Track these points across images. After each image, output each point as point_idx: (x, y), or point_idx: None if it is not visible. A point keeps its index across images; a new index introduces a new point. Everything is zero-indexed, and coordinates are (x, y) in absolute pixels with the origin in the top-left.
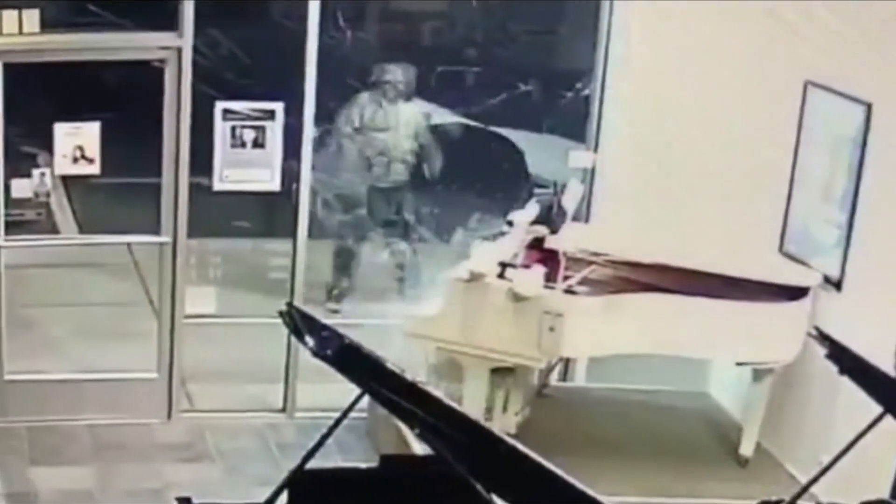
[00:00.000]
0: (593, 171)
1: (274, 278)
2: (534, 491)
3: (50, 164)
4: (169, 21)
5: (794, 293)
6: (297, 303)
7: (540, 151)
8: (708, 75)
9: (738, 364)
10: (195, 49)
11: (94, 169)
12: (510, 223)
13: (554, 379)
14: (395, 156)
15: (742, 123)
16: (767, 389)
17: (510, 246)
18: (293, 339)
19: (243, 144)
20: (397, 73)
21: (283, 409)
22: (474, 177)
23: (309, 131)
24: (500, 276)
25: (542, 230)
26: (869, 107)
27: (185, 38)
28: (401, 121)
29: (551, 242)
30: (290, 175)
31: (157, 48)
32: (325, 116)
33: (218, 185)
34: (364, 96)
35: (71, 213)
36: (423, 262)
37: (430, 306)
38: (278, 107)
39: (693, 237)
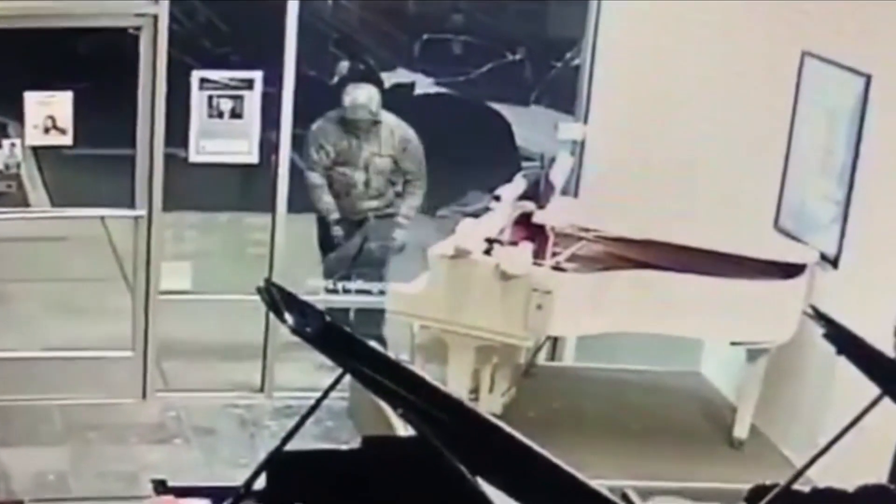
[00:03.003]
0: (583, 143)
1: (252, 253)
2: (520, 473)
3: (20, 135)
4: None
5: (790, 270)
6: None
7: (528, 123)
8: (703, 46)
9: (732, 344)
10: (171, 16)
11: (67, 140)
12: (497, 198)
13: (541, 358)
14: (374, 188)
15: (737, 95)
16: (762, 370)
17: (497, 221)
18: (272, 316)
19: (220, 115)
20: (367, 95)
21: (262, 389)
22: (459, 150)
23: (288, 101)
24: (487, 252)
25: (529, 205)
26: (868, 78)
27: (161, 5)
28: (380, 149)
29: (539, 218)
30: (269, 147)
31: (133, 15)
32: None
33: (194, 157)
34: (331, 129)
35: (42, 186)
36: (408, 238)
37: (415, 283)
38: (257, 76)
39: (686, 212)
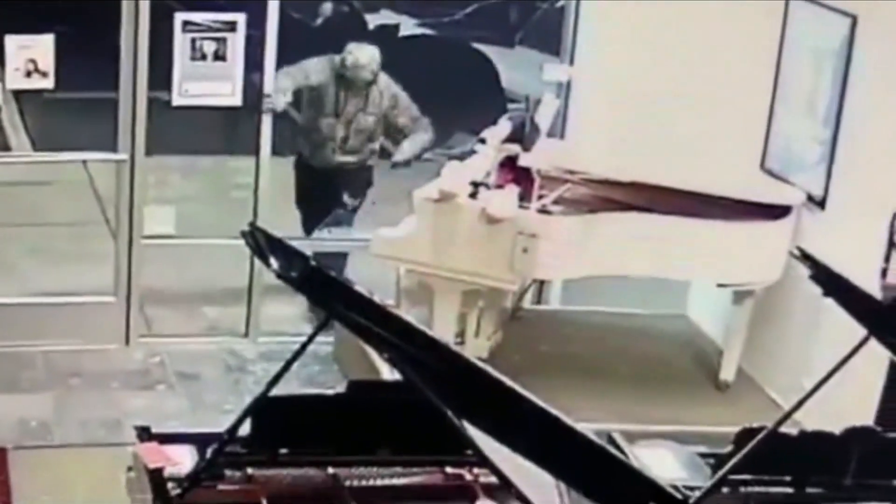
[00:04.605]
0: (568, 85)
1: (236, 197)
2: (506, 417)
3: (1, 79)
4: None
5: (776, 212)
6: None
7: (513, 65)
8: None
9: (719, 285)
10: None
11: (48, 83)
12: (482, 141)
13: (528, 302)
14: (350, 145)
15: (723, 36)
16: (748, 312)
17: (482, 164)
18: (256, 260)
19: (204, 57)
20: (369, 55)
21: (246, 334)
22: (444, 92)
23: (272, 43)
24: (472, 196)
25: (515, 148)
26: (854, 19)
27: None
28: (365, 107)
29: (525, 160)
30: (253, 89)
31: None
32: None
33: (177, 100)
34: (325, 77)
35: (24, 130)
36: (392, 180)
37: (400, 227)
38: (240, 18)
39: (672, 154)
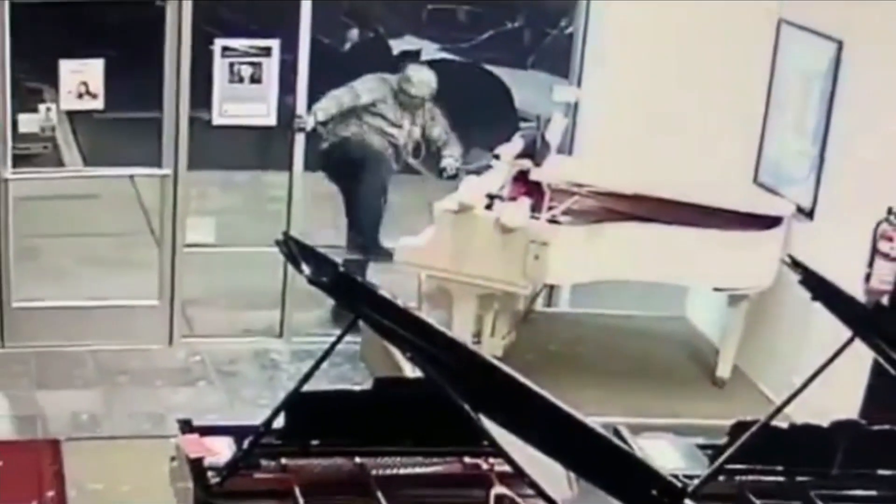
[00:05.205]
0: (576, 105)
1: (271, 209)
2: (519, 411)
3: (56, 100)
4: None
5: (769, 222)
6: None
7: (526, 86)
8: (686, 14)
9: (715, 290)
10: None
11: (98, 104)
12: (497, 156)
13: (539, 304)
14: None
15: (719, 60)
16: (743, 314)
17: (497, 178)
18: (289, 266)
19: (241, 80)
20: (430, 76)
21: (280, 335)
22: (462, 111)
23: (304, 67)
24: (488, 207)
25: (527, 163)
26: (840, 44)
27: None
28: (414, 120)
29: (536, 175)
30: (287, 110)
31: None
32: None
33: (217, 120)
34: (386, 92)
35: (76, 147)
36: (416, 194)
37: (421, 236)
38: (275, 44)
39: (672, 168)
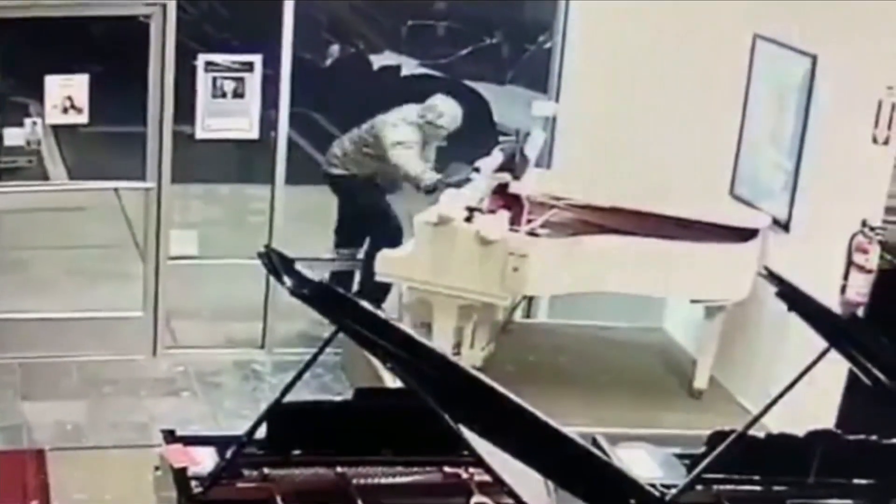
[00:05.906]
0: (555, 120)
1: (253, 222)
2: (497, 421)
3: (41, 114)
4: None
5: (745, 234)
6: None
7: (504, 102)
8: (663, 29)
9: (692, 302)
10: (179, 5)
11: (83, 118)
12: (476, 170)
13: (518, 316)
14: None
15: (695, 74)
16: (719, 325)
17: (477, 192)
18: (271, 279)
19: (224, 95)
20: (457, 108)
21: (262, 346)
22: None
23: (286, 82)
24: (468, 220)
25: (506, 176)
26: (814, 58)
27: None
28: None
29: (515, 188)
30: (269, 124)
31: (143, 4)
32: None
33: (200, 134)
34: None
35: (61, 160)
36: (396, 207)
37: (402, 249)
38: (257, 59)
39: (648, 182)
